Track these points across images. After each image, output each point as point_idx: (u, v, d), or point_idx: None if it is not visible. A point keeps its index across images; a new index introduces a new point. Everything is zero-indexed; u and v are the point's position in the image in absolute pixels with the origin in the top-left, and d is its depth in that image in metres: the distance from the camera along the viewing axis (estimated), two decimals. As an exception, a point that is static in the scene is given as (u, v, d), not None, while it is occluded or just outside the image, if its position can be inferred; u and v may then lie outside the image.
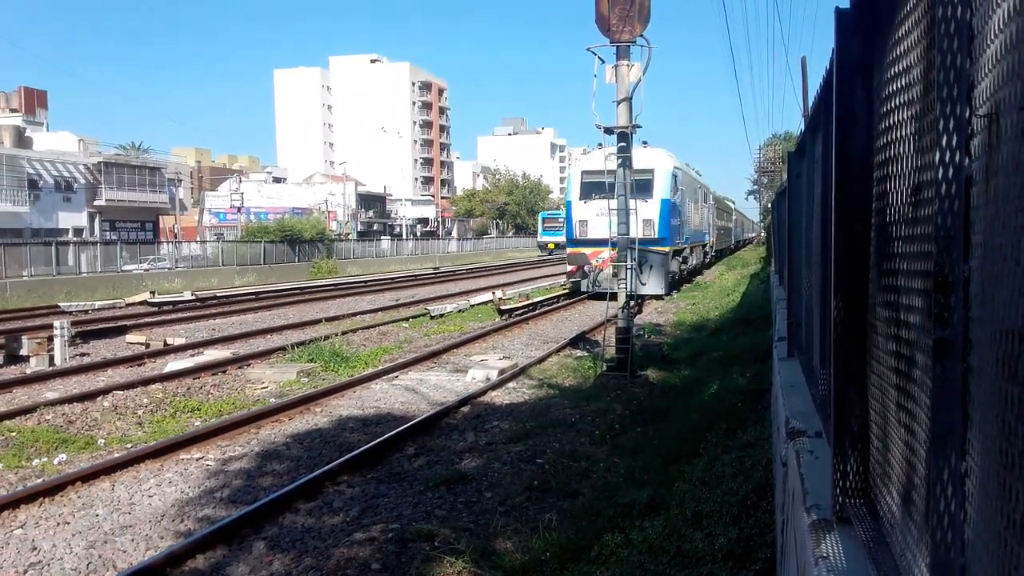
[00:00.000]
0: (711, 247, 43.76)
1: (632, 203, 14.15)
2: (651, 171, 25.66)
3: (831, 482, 2.82)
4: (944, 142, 1.59)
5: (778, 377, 6.96)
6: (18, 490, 7.84)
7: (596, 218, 25.31)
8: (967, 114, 1.49)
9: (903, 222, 2.15)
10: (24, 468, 8.73)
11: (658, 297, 27.19)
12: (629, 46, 13.24)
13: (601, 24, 13.11)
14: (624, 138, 13.64)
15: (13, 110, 64.62)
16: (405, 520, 7.03)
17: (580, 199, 27.12)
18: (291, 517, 7.12)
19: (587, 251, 26.60)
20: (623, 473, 8.15)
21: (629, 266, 13.89)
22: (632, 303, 14.24)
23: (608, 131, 14.14)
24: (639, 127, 13.93)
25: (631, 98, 13.43)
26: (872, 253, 2.61)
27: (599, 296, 24.44)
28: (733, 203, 70.86)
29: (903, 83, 2.18)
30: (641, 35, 13.12)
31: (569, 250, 28.03)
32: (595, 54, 13.39)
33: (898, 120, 2.24)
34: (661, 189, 26.39)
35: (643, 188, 23.02)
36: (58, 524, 7.04)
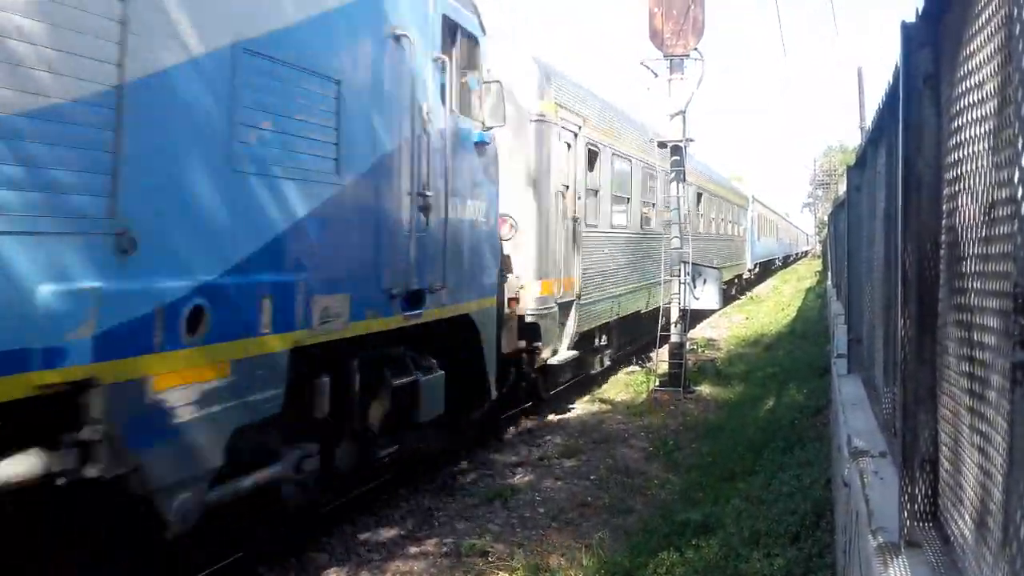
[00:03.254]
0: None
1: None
2: None
3: (898, 504, 2.76)
4: (1023, 161, 1.55)
5: (838, 394, 6.84)
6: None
7: None
8: (1048, 132, 1.46)
9: (977, 240, 2.10)
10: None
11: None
12: (682, 59, 13.20)
13: (654, 38, 13.09)
14: (678, 151, 13.58)
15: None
16: (459, 534, 7.04)
17: None
18: (348, 529, 7.17)
19: None
20: (677, 490, 8.06)
21: (683, 281, 13.77)
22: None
23: (662, 145, 14.09)
24: (692, 140, 13.87)
25: (684, 111, 13.37)
26: (943, 271, 2.55)
27: None
28: (788, 215, 69.28)
29: (976, 98, 2.13)
30: (695, 48, 13.08)
31: None
32: (648, 67, 13.37)
33: (970, 136, 2.19)
34: None
35: None
36: None
